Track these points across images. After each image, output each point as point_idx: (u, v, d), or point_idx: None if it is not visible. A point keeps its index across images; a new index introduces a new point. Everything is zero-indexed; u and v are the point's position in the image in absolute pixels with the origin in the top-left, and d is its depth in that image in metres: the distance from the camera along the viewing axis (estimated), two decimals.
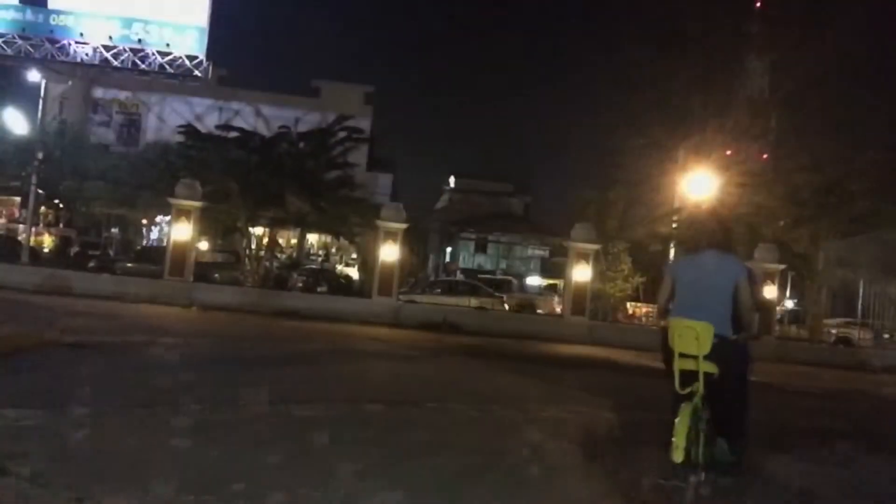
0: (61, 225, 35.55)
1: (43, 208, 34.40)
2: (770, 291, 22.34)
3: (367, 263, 27.88)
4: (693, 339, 5.30)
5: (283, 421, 7.10)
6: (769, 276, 22.32)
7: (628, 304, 31.20)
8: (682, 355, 5.44)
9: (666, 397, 6.06)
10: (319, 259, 40.79)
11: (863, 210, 23.85)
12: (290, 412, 7.47)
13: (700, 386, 5.37)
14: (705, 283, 5.68)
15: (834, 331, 26.25)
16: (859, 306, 24.14)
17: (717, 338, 5.29)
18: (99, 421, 6.35)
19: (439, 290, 27.11)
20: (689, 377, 5.45)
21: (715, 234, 5.98)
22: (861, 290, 23.92)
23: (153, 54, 39.21)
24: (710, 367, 5.35)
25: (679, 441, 5.02)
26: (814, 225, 24.41)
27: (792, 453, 8.14)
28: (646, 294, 31.25)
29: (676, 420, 5.18)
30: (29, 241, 28.37)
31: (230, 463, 5.52)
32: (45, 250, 31.38)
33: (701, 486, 5.30)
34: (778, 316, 24.29)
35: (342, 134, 27.05)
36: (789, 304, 31.32)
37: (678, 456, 5.03)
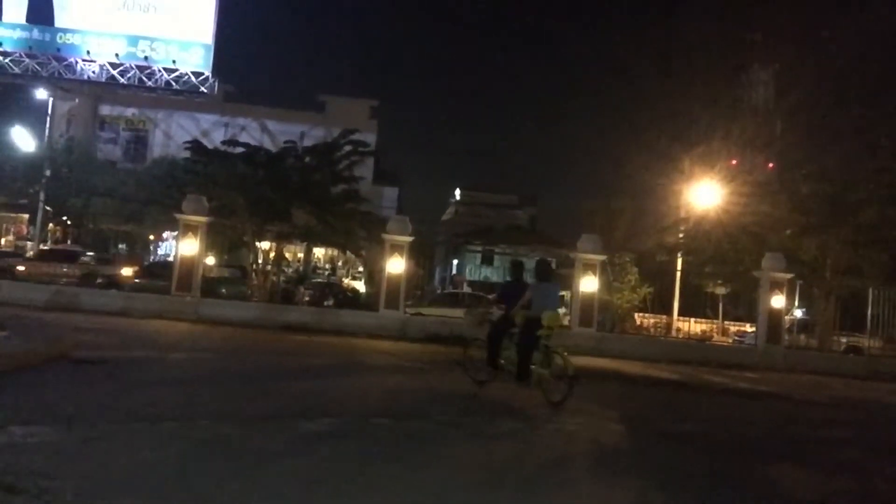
0: (69, 241, 35.65)
1: (51, 225, 34.58)
2: (778, 300, 22.25)
3: (373, 277, 27.89)
4: (555, 318, 10.86)
5: (291, 436, 7.09)
6: (777, 285, 22.24)
7: (636, 315, 31.12)
8: (547, 326, 10.51)
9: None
10: (326, 273, 40.83)
11: (870, 218, 23.75)
12: (298, 427, 7.46)
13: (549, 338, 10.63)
14: (552, 295, 11.17)
15: (843, 339, 26.09)
16: (868, 314, 23.97)
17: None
18: (106, 437, 6.35)
19: (447, 303, 27.05)
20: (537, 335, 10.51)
21: (544, 272, 11.56)
22: (870, 299, 23.76)
23: (159, 71, 39.48)
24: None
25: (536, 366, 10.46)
26: (821, 233, 24.31)
27: (801, 463, 8.09)
28: (654, 305, 31.20)
29: (536, 357, 10.53)
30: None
31: (238, 479, 5.52)
32: None
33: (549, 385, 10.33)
34: (786, 325, 24.16)
35: (348, 148, 27.07)
36: (798, 313, 31.16)
37: (525, 375, 10.48)
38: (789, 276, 22.66)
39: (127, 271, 26.46)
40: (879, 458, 9.01)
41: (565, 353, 10.40)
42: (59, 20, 39.52)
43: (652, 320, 31.73)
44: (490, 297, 29.04)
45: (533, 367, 10.45)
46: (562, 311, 16.10)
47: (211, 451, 6.21)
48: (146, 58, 39.40)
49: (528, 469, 6.62)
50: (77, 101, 40.89)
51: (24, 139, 27.98)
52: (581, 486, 6.33)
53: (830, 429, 11.12)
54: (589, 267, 22.03)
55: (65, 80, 39.48)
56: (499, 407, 10.04)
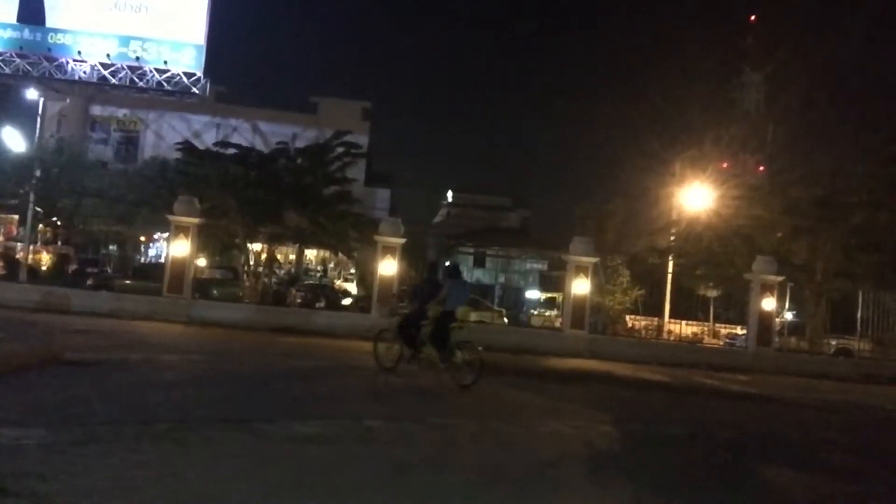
0: (59, 243, 35.42)
1: (41, 226, 34.34)
2: (768, 303, 22.36)
3: (365, 278, 27.84)
4: (466, 312, 12.50)
5: (284, 437, 7.08)
6: (768, 288, 22.35)
7: (627, 318, 31.17)
8: (460, 319, 12.06)
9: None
10: (318, 275, 40.73)
11: (860, 221, 23.89)
12: (291, 428, 7.46)
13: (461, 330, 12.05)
14: (465, 292, 12.80)
15: (834, 342, 26.22)
16: (858, 317, 24.11)
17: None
18: (99, 439, 6.33)
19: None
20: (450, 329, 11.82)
21: (455, 273, 12.85)
22: (860, 301, 23.89)
23: (151, 72, 39.29)
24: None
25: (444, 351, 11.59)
26: (812, 236, 24.44)
27: (793, 465, 8.13)
28: (645, 307, 31.26)
29: (451, 346, 11.69)
30: (27, 259, 28.34)
31: (232, 481, 5.51)
32: (44, 268, 31.30)
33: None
34: (777, 328, 24.28)
35: (340, 149, 27.09)
36: (789, 315, 31.28)
37: (446, 360, 11.63)
38: (780, 278, 22.78)
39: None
40: (870, 460, 9.07)
41: (475, 345, 11.68)
42: (51, 20, 39.30)
43: (643, 323, 31.77)
44: (485, 300, 29.18)
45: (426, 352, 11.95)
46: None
47: (203, 453, 6.20)
48: (138, 58, 39.20)
49: (521, 471, 6.63)
50: (68, 101, 40.66)
51: (14, 139, 27.77)
52: (575, 488, 6.35)
53: (822, 431, 11.17)
54: (581, 269, 22.08)
55: (56, 81, 39.26)
56: (491, 409, 10.06)
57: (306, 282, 34.42)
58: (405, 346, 12.09)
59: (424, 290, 12.36)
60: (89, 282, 25.47)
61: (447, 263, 13.82)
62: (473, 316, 24.71)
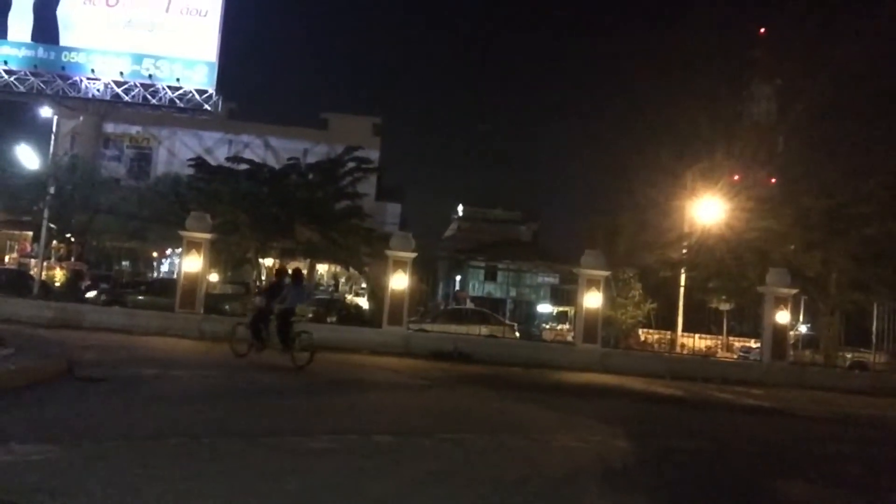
0: (73, 259, 35.66)
1: (54, 242, 34.57)
2: (782, 316, 22.17)
3: (376, 293, 27.83)
4: (304, 310, 18.28)
5: (295, 453, 7.06)
6: (782, 301, 22.17)
7: (640, 331, 31.02)
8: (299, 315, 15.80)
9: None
10: (329, 289, 40.79)
11: (873, 233, 23.69)
12: (301, 444, 7.43)
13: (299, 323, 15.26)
14: (303, 294, 16.47)
15: (849, 355, 25.97)
16: (873, 329, 23.86)
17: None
18: (110, 455, 6.33)
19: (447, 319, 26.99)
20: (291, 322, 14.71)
21: (297, 278, 15.63)
22: (875, 314, 23.67)
23: (163, 89, 39.63)
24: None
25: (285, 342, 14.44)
26: (824, 249, 24.25)
27: (808, 479, 8.04)
28: (657, 320, 31.10)
29: (291, 335, 14.57)
30: (41, 275, 28.52)
31: (242, 497, 5.49)
32: (57, 284, 31.49)
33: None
34: (791, 341, 24.05)
35: (351, 164, 27.16)
36: (803, 328, 31.03)
37: (287, 348, 14.46)
38: (794, 291, 22.59)
39: None
40: (885, 474, 8.95)
41: (311, 334, 14.96)
42: (64, 39, 39.72)
43: (656, 336, 31.61)
44: (485, 310, 29.14)
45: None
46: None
47: (213, 469, 6.18)
48: (150, 76, 39.56)
49: (534, 486, 6.57)
50: (81, 118, 41.03)
51: (28, 157, 28.02)
52: (590, 502, 6.28)
53: (836, 445, 11.04)
54: (592, 283, 21.98)
55: (69, 99, 39.63)
56: (502, 424, 10.00)
57: (318, 296, 34.47)
58: (254, 337, 14.81)
59: (272, 292, 15.40)
60: (102, 297, 25.58)
61: (290, 270, 16.15)
62: (485, 330, 24.84)
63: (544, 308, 44.56)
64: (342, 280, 42.19)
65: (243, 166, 27.02)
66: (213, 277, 28.23)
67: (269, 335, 14.69)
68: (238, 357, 14.70)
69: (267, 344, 14.68)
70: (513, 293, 46.89)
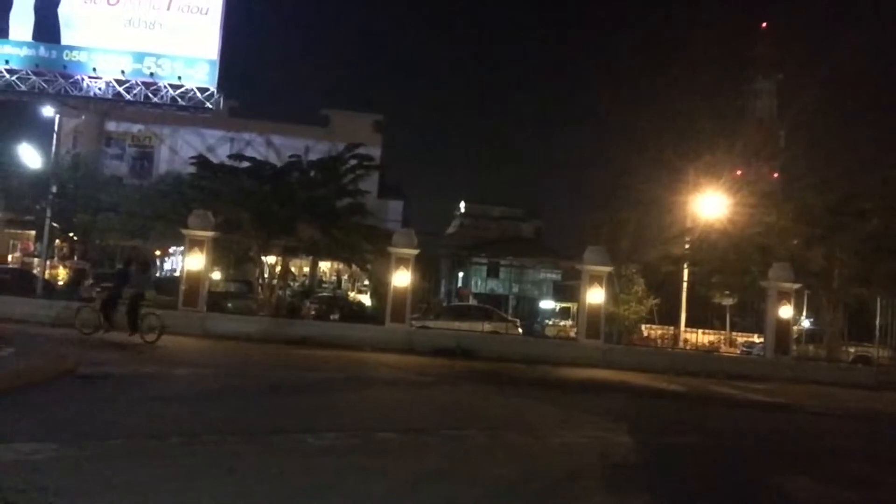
0: (75, 258, 35.71)
1: (57, 241, 34.64)
2: (786, 311, 22.15)
3: (379, 290, 27.82)
4: (152, 294, 18.33)
5: (298, 451, 7.06)
6: (785, 296, 22.14)
7: (643, 327, 30.99)
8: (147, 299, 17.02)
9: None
10: (332, 287, 40.79)
11: (875, 227, 23.65)
12: (305, 442, 7.44)
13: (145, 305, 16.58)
14: (149, 280, 19.12)
15: (852, 350, 25.94)
16: (877, 324, 23.83)
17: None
18: (112, 454, 6.34)
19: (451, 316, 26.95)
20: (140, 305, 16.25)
21: (144, 265, 18.61)
22: (878, 308, 23.64)
23: (165, 87, 39.63)
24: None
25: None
26: (827, 243, 24.21)
27: (811, 475, 8.04)
28: (660, 316, 31.08)
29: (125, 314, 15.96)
30: (44, 274, 28.54)
31: (247, 495, 5.49)
32: (60, 283, 31.52)
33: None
34: (795, 335, 24.03)
35: (353, 162, 27.12)
36: (806, 323, 30.98)
37: (134, 329, 15.91)
38: (797, 286, 22.57)
39: None
40: (887, 468, 8.94)
41: (158, 314, 16.58)
42: (66, 38, 39.73)
43: (659, 331, 31.58)
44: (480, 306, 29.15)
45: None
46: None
47: (216, 468, 6.18)
48: (152, 74, 39.58)
49: (537, 483, 6.57)
50: (83, 117, 41.06)
51: (30, 156, 28.06)
52: (592, 499, 6.28)
53: (839, 440, 11.04)
54: (595, 279, 21.97)
55: (71, 97, 39.63)
56: (505, 421, 9.99)
57: (320, 294, 34.48)
58: (105, 318, 16.10)
59: (121, 277, 17.36)
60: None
61: (140, 258, 19.19)
62: (487, 327, 24.83)
63: (547, 304, 44.54)
64: (345, 277, 42.20)
65: (245, 164, 26.98)
66: (216, 275, 28.23)
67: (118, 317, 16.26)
68: (83, 336, 15.80)
69: (115, 326, 16.11)
70: (515, 290, 46.88)
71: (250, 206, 24.39)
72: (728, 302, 32.48)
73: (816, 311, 28.51)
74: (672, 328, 30.94)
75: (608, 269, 22.42)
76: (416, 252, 21.90)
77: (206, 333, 19.78)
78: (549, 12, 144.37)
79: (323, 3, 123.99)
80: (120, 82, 39.53)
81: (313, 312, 27.52)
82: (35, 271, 30.42)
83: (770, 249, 24.50)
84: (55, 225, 29.59)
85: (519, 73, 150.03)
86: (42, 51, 39.84)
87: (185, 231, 21.50)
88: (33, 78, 39.30)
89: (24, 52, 39.67)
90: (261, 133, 43.56)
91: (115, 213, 32.88)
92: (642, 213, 29.51)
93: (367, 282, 36.17)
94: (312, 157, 28.49)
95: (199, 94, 39.75)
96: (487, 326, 24.76)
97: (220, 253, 24.98)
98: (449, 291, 50.61)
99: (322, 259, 34.98)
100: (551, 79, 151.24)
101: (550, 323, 36.36)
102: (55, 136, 37.15)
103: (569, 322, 34.45)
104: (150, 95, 39.88)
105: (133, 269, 17.49)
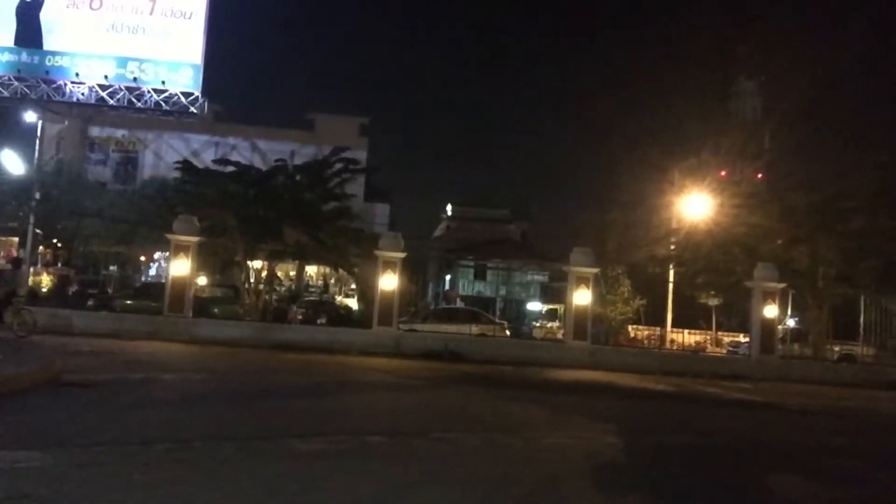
0: (59, 264, 35.39)
1: (41, 248, 34.34)
2: (771, 310, 22.30)
3: (366, 294, 27.77)
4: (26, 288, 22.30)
5: (287, 456, 7.03)
6: (769, 295, 22.29)
7: (629, 328, 31.11)
8: (18, 295, 18.94)
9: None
10: (318, 291, 40.63)
11: (859, 227, 23.85)
12: (293, 447, 7.41)
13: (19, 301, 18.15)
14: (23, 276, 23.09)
15: (837, 348, 26.14)
16: (861, 322, 24.03)
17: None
18: (99, 461, 6.29)
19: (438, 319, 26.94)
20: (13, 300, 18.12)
21: (17, 264, 21.86)
22: (862, 307, 23.84)
23: (149, 92, 39.37)
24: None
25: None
26: (811, 243, 24.40)
27: (799, 473, 8.08)
28: (647, 317, 31.21)
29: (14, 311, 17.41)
30: (27, 281, 28.29)
31: (235, 501, 5.46)
32: (44, 290, 31.27)
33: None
34: (780, 334, 24.19)
35: (338, 165, 27.06)
36: (791, 322, 31.19)
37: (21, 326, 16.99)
38: (781, 285, 22.74)
39: None
40: (875, 466, 9.01)
41: (31, 310, 17.86)
42: (48, 43, 39.41)
43: (645, 332, 31.72)
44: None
45: None
46: None
47: (204, 474, 6.15)
48: (135, 79, 39.30)
49: (525, 485, 6.57)
50: (66, 123, 40.70)
51: (13, 162, 27.76)
52: (582, 499, 6.29)
53: (826, 438, 11.11)
54: (582, 280, 22.05)
55: (54, 103, 39.30)
56: (494, 423, 9.99)
57: (307, 298, 34.37)
58: None
59: None
60: (90, 302, 25.44)
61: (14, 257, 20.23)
62: (475, 329, 24.81)
63: (534, 306, 44.60)
64: (332, 281, 42.06)
65: (230, 169, 26.87)
66: (202, 280, 28.09)
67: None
68: None
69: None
70: (503, 292, 46.89)
71: (236, 211, 24.31)
72: (714, 302, 32.67)
73: (801, 310, 28.70)
74: (658, 329, 31.08)
75: (594, 270, 22.51)
76: (403, 255, 21.90)
77: (192, 339, 19.70)
78: (533, 14, 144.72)
79: (308, 8, 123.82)
80: (103, 87, 39.23)
81: (300, 317, 27.42)
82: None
83: (755, 249, 24.67)
84: (38, 231, 29.35)
85: (504, 75, 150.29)
86: (24, 56, 39.49)
87: (170, 236, 21.41)
88: (15, 83, 38.96)
89: (6, 57, 39.33)
90: (246, 137, 43.35)
91: (99, 219, 32.62)
92: (628, 215, 29.63)
93: (354, 286, 36.10)
94: (298, 160, 28.43)
95: (183, 99, 39.52)
96: (475, 329, 24.77)
97: (206, 258, 24.85)
98: (436, 294, 50.61)
99: (309, 263, 34.85)
100: (537, 80, 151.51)
101: (538, 325, 36.41)
102: (38, 141, 36.89)
103: (556, 324, 34.52)
104: (134, 100, 39.60)
105: (7, 267, 19.43)
